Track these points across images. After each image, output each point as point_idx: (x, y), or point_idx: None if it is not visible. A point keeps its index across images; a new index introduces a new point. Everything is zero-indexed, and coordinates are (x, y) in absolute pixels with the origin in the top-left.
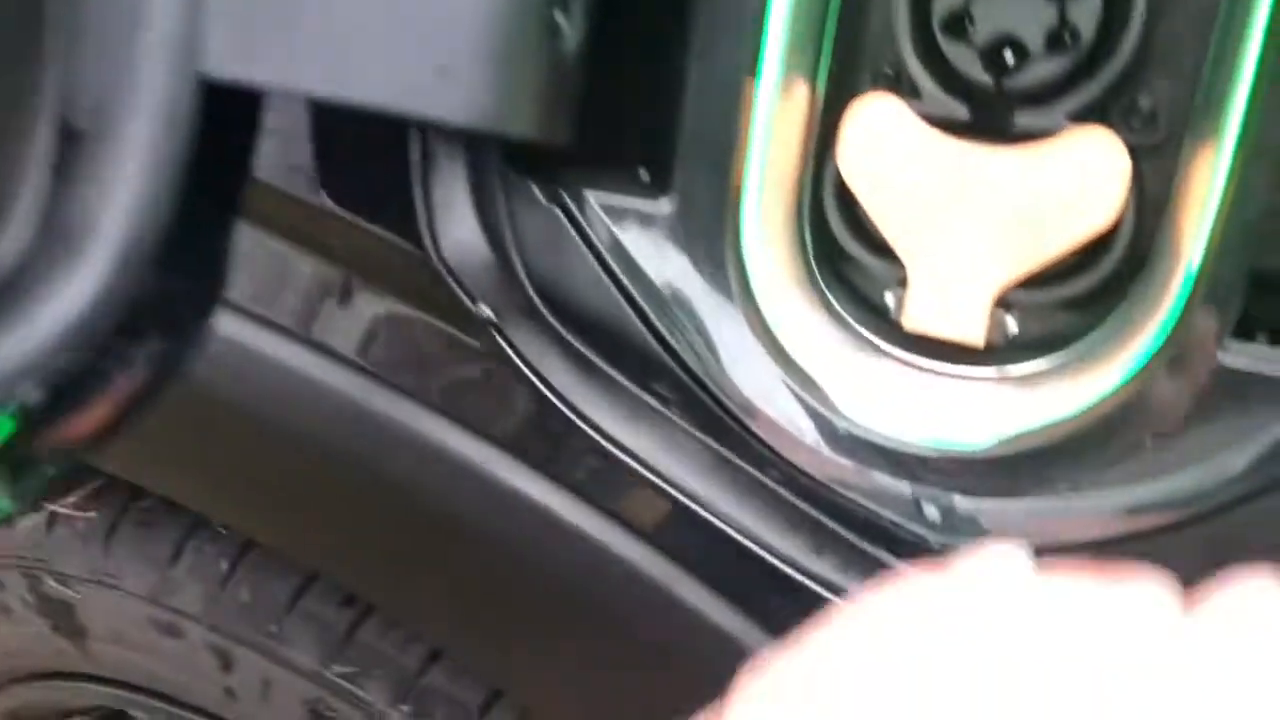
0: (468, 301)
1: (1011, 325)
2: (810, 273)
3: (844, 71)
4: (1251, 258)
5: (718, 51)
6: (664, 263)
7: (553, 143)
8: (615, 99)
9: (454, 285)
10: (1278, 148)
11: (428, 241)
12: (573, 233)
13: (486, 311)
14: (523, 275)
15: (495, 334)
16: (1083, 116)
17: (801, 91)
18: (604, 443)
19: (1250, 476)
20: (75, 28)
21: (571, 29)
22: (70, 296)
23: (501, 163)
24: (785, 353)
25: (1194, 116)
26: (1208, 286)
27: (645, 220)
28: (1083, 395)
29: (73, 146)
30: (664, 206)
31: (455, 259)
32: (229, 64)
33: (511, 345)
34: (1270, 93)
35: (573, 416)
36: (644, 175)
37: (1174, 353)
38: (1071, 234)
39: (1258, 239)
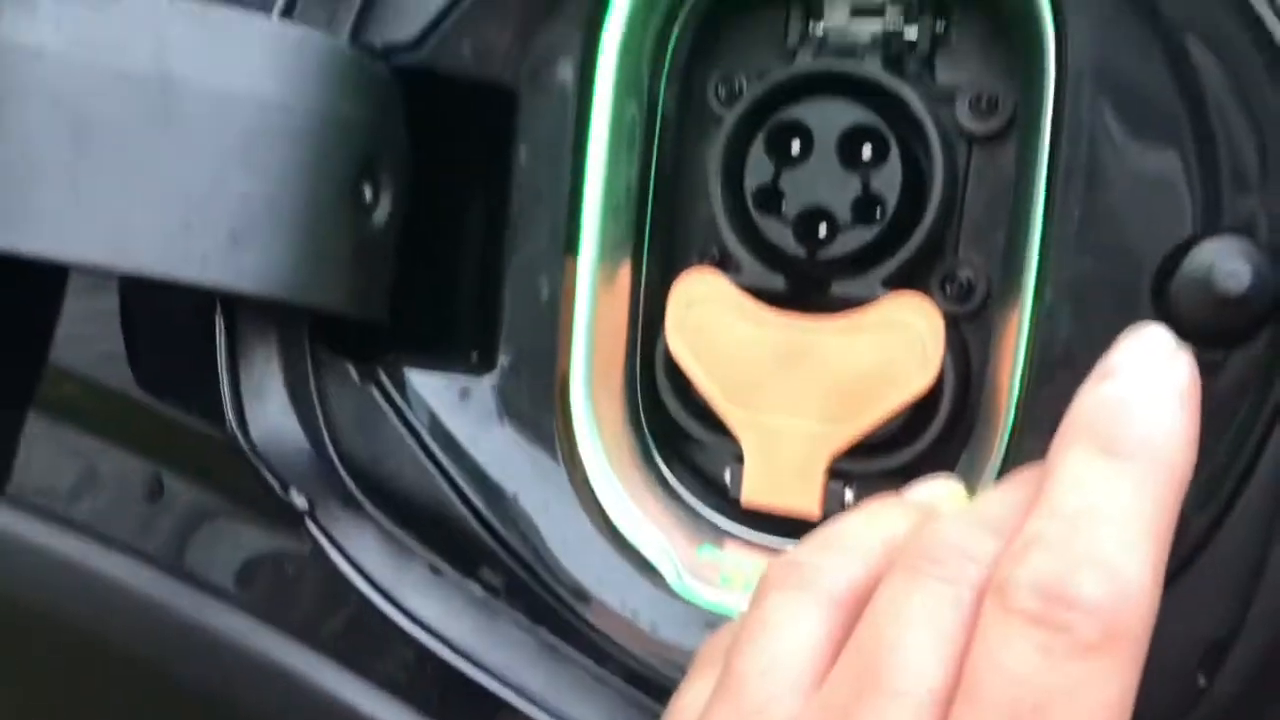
0: (279, 490)
1: (848, 496)
2: (646, 451)
3: (666, 248)
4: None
5: (537, 230)
6: (489, 443)
7: (365, 318)
8: (433, 275)
9: (265, 473)
10: (1064, 324)
11: (235, 428)
12: (390, 413)
13: (300, 500)
14: (336, 460)
15: (310, 524)
16: (898, 283)
17: (624, 269)
18: (427, 639)
19: None
20: None
21: (381, 202)
22: None
23: (312, 341)
24: (620, 535)
25: (1004, 283)
26: (1021, 448)
27: (468, 399)
28: None
29: None
30: (487, 385)
31: (266, 445)
32: None
33: (327, 535)
34: (1054, 258)
35: (392, 612)
36: (473, 356)
37: None
38: (893, 399)
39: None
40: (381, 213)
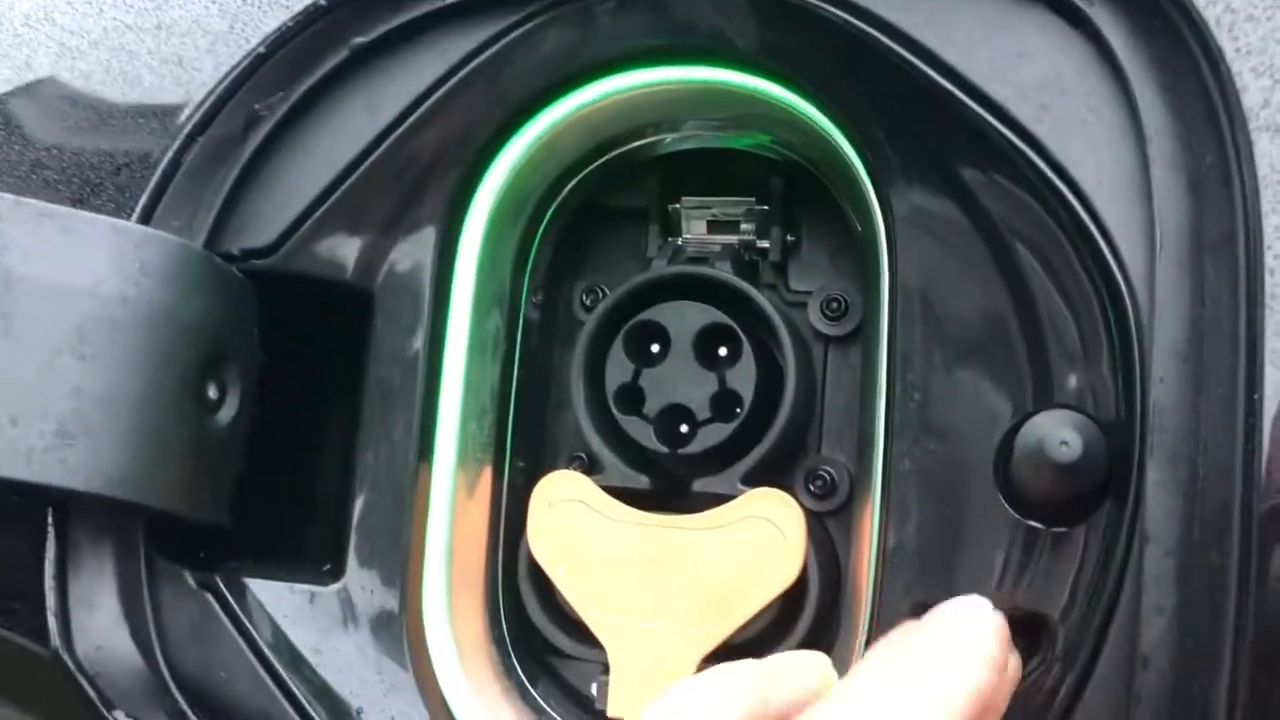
0: (103, 709)
1: None
2: (508, 663)
3: (531, 452)
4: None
5: (390, 435)
6: (334, 655)
7: (204, 521)
8: (281, 479)
9: (90, 691)
10: (912, 515)
11: (58, 641)
12: (227, 623)
13: None
14: (168, 675)
15: None
16: (758, 480)
17: (485, 474)
18: None
19: None
20: None
21: (227, 401)
22: None
23: (147, 546)
24: None
25: (859, 478)
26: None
27: (312, 608)
28: None
29: None
30: (333, 593)
31: (92, 661)
32: None
33: None
34: (897, 448)
35: None
36: (321, 564)
37: None
38: (760, 595)
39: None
40: (227, 412)
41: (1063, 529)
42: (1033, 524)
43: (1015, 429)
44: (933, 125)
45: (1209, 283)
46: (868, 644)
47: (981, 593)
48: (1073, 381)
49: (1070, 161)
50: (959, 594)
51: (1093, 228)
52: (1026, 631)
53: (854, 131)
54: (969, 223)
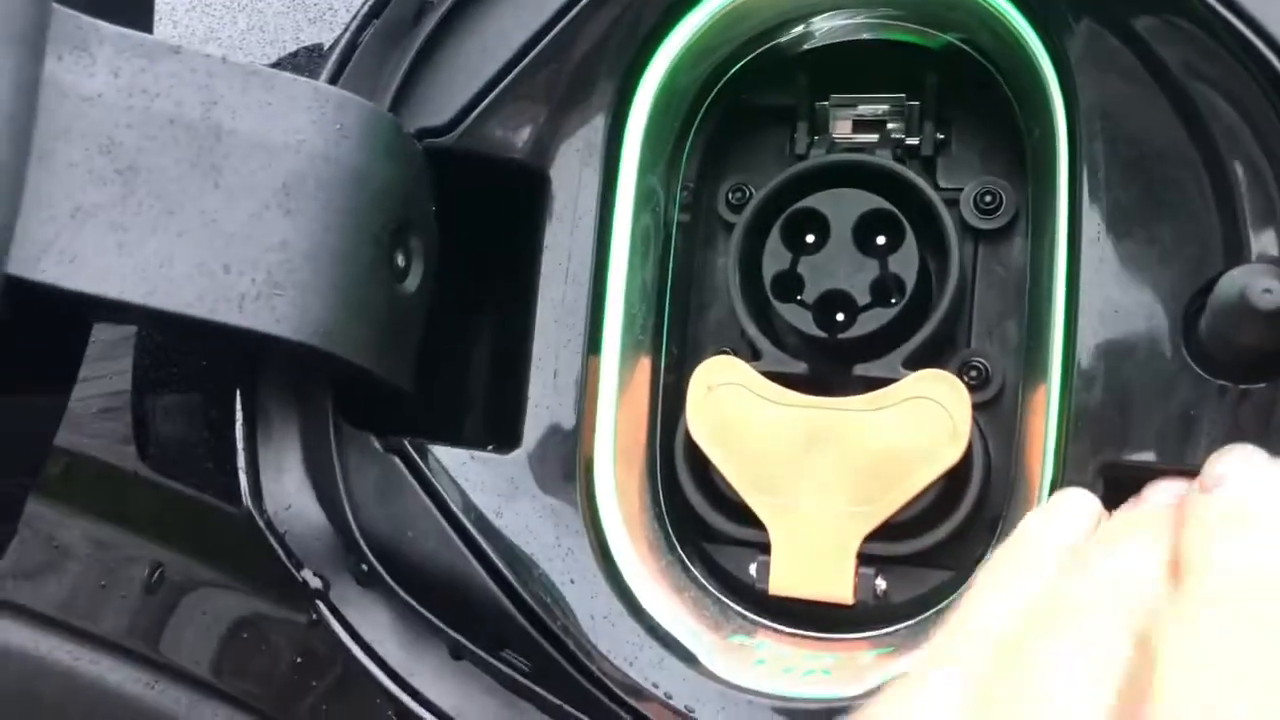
0: (293, 569)
1: (879, 583)
2: (669, 542)
3: (683, 342)
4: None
5: (564, 320)
6: (514, 519)
7: (393, 384)
8: (456, 354)
9: (280, 551)
10: (1098, 382)
11: (250, 503)
12: (415, 484)
13: (314, 581)
14: (358, 533)
15: (323, 607)
16: (919, 364)
17: (644, 361)
18: None
19: None
20: None
21: (413, 270)
22: None
23: (335, 412)
24: (648, 615)
25: (1023, 367)
26: None
27: (493, 475)
28: None
29: None
30: (513, 461)
31: (282, 520)
32: (39, 266)
33: (340, 619)
34: (1083, 326)
35: (409, 701)
36: (498, 434)
37: None
38: (924, 474)
39: (1098, 446)
40: (413, 280)
41: (1254, 385)
42: (1222, 383)
43: (1207, 288)
44: None
45: None
46: None
47: (1171, 452)
48: (1267, 240)
49: (1266, 17)
50: (1147, 456)
51: None
52: None
53: (1036, 6)
54: (1154, 79)
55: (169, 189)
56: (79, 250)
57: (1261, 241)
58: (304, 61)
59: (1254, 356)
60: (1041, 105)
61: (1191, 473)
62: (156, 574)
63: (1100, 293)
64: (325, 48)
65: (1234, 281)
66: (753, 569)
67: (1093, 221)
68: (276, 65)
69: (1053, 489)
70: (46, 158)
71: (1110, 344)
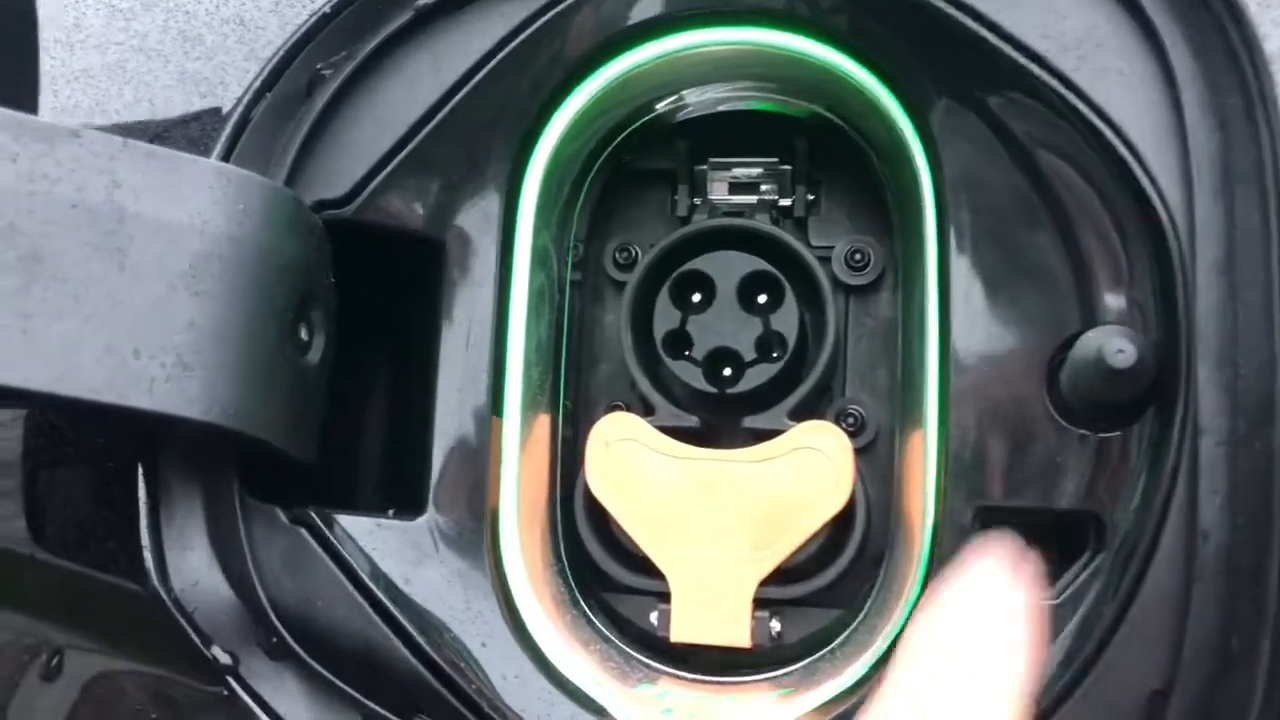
0: (201, 646)
1: (775, 625)
2: (572, 596)
3: (580, 395)
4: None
5: (465, 383)
6: (422, 584)
7: (297, 457)
8: (357, 424)
9: (187, 627)
10: (971, 431)
11: (156, 581)
12: (322, 554)
13: (224, 656)
14: (267, 607)
15: (233, 682)
16: (803, 415)
17: (542, 420)
18: None
19: None
20: None
21: (315, 342)
22: None
23: (240, 487)
24: (558, 672)
25: (899, 415)
26: (941, 549)
27: (401, 541)
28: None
29: None
30: (420, 526)
31: (189, 597)
32: None
33: (252, 694)
34: (954, 376)
35: None
36: (402, 501)
37: None
38: (812, 520)
39: (973, 491)
40: (315, 352)
41: (1110, 433)
42: (1082, 431)
43: (1066, 344)
44: (980, 77)
45: (1239, 206)
46: (930, 555)
47: (1038, 496)
48: (1117, 302)
49: (1108, 104)
50: (1017, 500)
51: (1133, 162)
52: (1075, 532)
53: (903, 88)
54: (1014, 160)
55: (74, 274)
56: None
57: (1112, 303)
58: (196, 134)
59: (1109, 409)
60: (908, 174)
61: (1058, 512)
62: (55, 660)
63: (970, 349)
64: (223, 112)
65: (1090, 342)
66: (654, 618)
67: (960, 283)
68: (169, 132)
69: (934, 532)
70: None
71: (981, 396)
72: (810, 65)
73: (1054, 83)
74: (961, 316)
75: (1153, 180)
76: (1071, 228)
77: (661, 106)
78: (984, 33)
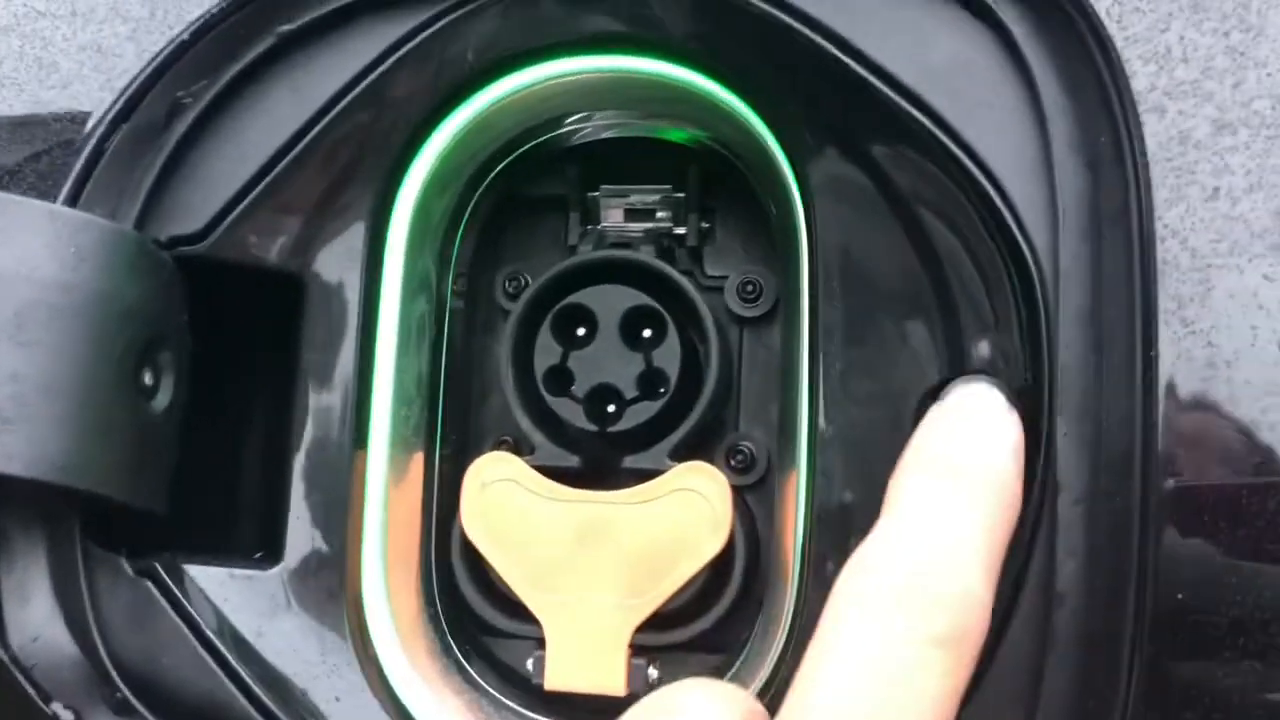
0: (40, 702)
1: (651, 672)
2: (445, 643)
3: (460, 437)
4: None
5: (324, 423)
6: (276, 637)
7: (142, 508)
8: (215, 466)
9: (25, 685)
10: (836, 478)
11: None
12: (167, 608)
13: (65, 714)
14: (108, 662)
15: None
16: (684, 455)
17: (417, 458)
18: None
19: None
20: None
21: (162, 387)
22: None
23: (82, 536)
24: None
25: (780, 451)
26: (809, 602)
27: (255, 592)
28: None
29: None
30: (274, 576)
31: (27, 653)
32: None
33: None
34: (822, 417)
35: None
36: (259, 549)
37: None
38: (689, 566)
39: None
40: (162, 398)
41: None
42: None
43: (934, 391)
44: (847, 108)
45: (1107, 250)
46: (797, 602)
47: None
48: (984, 349)
49: (976, 140)
50: None
51: (999, 202)
52: None
53: (772, 116)
54: (883, 200)
55: None
56: None
57: (978, 350)
58: (47, 168)
59: None
60: (784, 207)
61: None
62: None
63: (839, 390)
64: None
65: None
66: (529, 664)
67: (830, 324)
68: (20, 168)
69: (800, 585)
70: None
71: (846, 442)
72: (682, 91)
73: (921, 116)
74: (830, 359)
75: (1018, 220)
76: (940, 268)
77: (544, 133)
78: (853, 65)
